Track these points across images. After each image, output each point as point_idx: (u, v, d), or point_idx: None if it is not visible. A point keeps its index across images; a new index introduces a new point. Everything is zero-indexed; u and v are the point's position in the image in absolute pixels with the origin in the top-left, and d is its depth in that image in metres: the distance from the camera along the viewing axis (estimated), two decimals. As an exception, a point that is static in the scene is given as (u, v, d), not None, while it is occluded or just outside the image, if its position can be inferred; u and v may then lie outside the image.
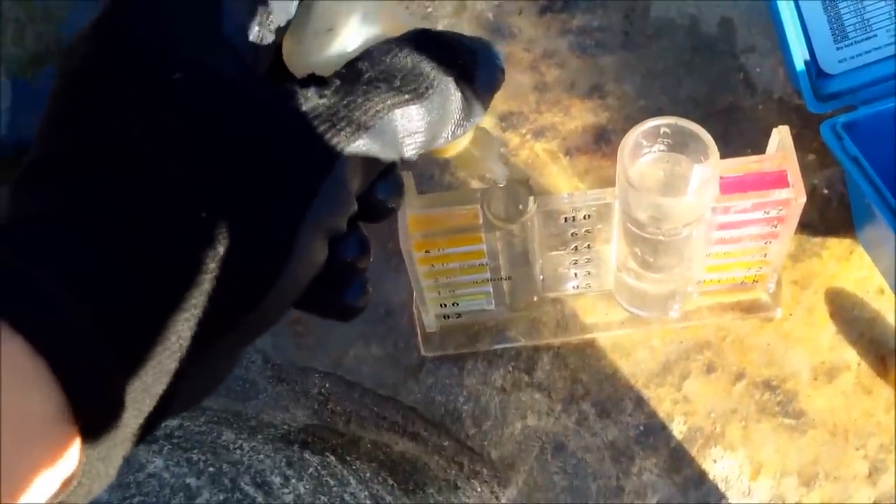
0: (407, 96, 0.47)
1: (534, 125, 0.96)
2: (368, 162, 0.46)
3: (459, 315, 0.86)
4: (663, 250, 0.76)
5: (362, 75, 0.47)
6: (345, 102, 0.45)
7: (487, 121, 0.97)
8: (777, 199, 0.73)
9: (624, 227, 0.76)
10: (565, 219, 0.77)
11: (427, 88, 0.47)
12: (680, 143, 0.72)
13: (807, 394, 0.84)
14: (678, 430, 0.83)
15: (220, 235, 0.41)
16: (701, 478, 0.82)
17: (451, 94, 0.48)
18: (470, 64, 0.50)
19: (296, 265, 0.43)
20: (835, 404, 0.83)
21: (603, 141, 0.94)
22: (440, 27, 1.02)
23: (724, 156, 0.73)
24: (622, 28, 1.00)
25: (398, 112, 0.46)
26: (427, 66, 0.48)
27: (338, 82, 0.46)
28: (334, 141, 0.44)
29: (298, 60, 0.50)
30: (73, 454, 0.37)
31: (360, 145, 0.45)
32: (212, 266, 0.41)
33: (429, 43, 0.49)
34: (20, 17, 1.32)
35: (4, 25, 1.31)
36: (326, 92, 0.45)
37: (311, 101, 0.45)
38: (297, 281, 0.44)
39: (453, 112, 0.49)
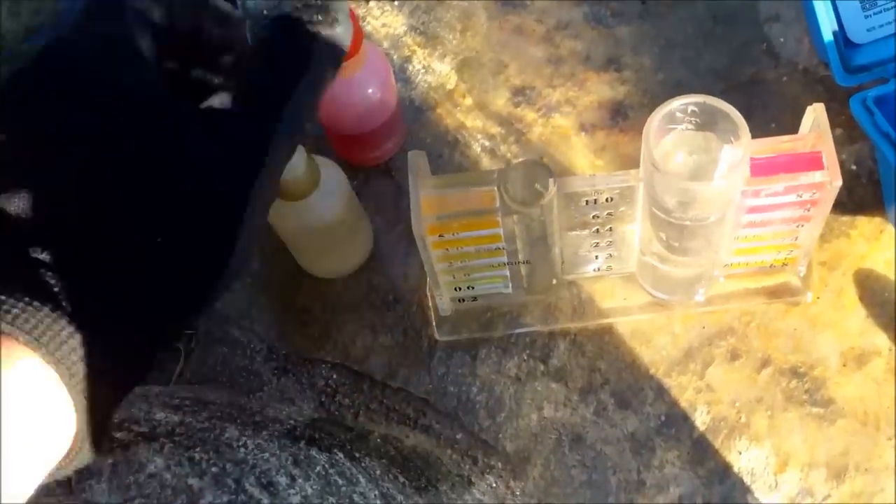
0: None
1: (548, 100, 0.92)
2: None
3: (475, 298, 0.83)
4: (690, 235, 0.72)
5: None
6: None
7: (502, 95, 0.93)
8: (811, 182, 0.69)
9: (649, 211, 0.72)
10: (586, 201, 0.73)
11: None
12: (708, 123, 0.68)
13: (836, 381, 0.80)
14: (701, 420, 0.80)
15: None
16: (725, 470, 0.78)
17: None
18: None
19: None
20: (865, 392, 0.80)
21: (620, 116, 0.90)
22: (449, -4, 0.98)
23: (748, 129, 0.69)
24: (640, -6, 0.96)
25: None
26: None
27: None
28: None
29: None
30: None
31: None
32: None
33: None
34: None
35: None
36: None
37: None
38: None
39: None
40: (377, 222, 0.88)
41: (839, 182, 0.68)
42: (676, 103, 0.68)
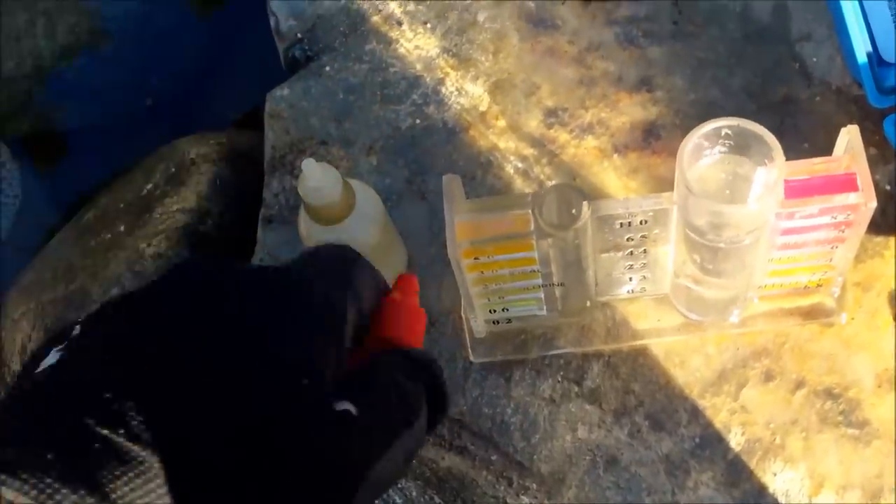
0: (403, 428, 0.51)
1: (580, 121, 0.92)
2: None
3: (510, 320, 0.83)
4: (724, 257, 0.72)
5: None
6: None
7: (534, 117, 0.93)
8: (845, 204, 0.69)
9: (682, 233, 0.72)
10: (620, 224, 0.74)
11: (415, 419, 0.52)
12: (742, 145, 0.69)
13: (871, 402, 0.80)
14: (735, 441, 0.80)
15: None
16: (760, 492, 0.78)
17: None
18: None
19: None
20: (901, 413, 0.80)
21: (653, 137, 0.90)
22: (481, 18, 0.98)
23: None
24: (671, 17, 0.96)
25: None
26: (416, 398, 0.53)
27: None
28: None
29: None
30: None
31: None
32: None
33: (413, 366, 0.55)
34: (49, 9, 1.29)
35: (35, 18, 1.29)
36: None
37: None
38: None
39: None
40: (411, 246, 0.88)
41: (874, 203, 0.68)
42: (710, 126, 0.68)
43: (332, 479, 0.50)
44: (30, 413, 0.46)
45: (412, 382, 0.55)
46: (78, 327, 0.49)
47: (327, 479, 0.50)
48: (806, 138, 0.88)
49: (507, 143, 0.92)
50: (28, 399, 0.46)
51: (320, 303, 0.52)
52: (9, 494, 0.40)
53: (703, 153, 0.70)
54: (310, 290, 0.52)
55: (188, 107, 1.32)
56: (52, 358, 0.48)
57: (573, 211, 0.70)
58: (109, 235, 1.02)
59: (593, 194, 0.88)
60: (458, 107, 0.95)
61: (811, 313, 0.83)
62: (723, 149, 0.70)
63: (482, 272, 0.75)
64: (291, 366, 0.50)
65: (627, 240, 0.75)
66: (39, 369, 0.46)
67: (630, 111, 0.92)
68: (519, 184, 0.90)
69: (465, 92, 0.95)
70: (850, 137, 0.71)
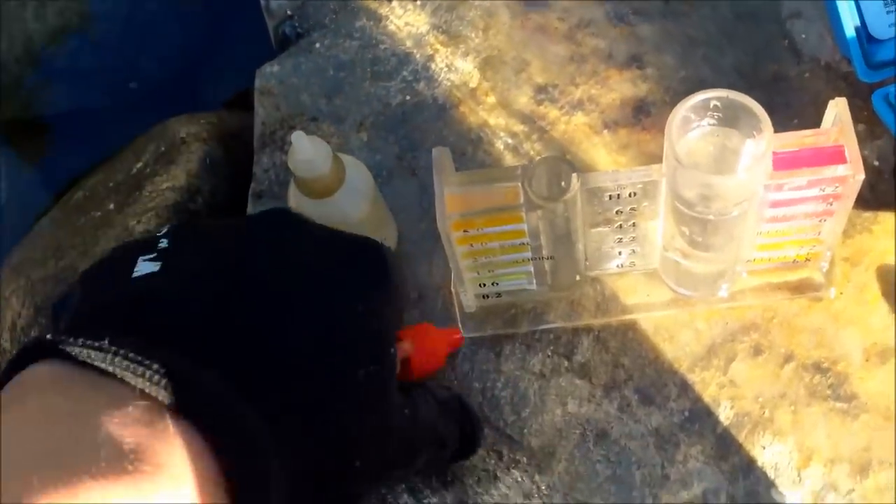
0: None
1: (571, 98, 0.92)
2: None
3: (499, 294, 0.83)
4: (712, 230, 0.72)
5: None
6: None
7: (524, 93, 0.93)
8: (834, 176, 0.69)
9: (671, 206, 0.72)
10: (609, 196, 0.74)
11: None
12: (731, 117, 0.69)
13: (859, 376, 0.80)
14: (725, 415, 0.80)
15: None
16: (749, 465, 0.78)
17: None
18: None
19: None
20: (888, 387, 0.80)
21: (643, 114, 0.91)
22: (472, -4, 0.98)
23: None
24: (661, -6, 0.96)
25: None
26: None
27: None
28: None
29: None
30: None
31: None
32: None
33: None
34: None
35: (26, 1, 1.28)
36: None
37: None
38: None
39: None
40: (401, 221, 0.88)
41: (862, 175, 0.69)
42: (699, 98, 0.68)
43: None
44: (143, 315, 0.48)
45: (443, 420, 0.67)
46: (164, 241, 0.51)
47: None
48: (796, 115, 0.88)
49: (497, 120, 0.92)
50: (138, 303, 0.50)
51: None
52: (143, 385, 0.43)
53: (691, 125, 0.70)
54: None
55: (179, 89, 1.32)
56: (147, 267, 0.50)
57: (563, 183, 0.71)
58: (99, 214, 1.02)
59: (583, 170, 0.87)
60: (449, 83, 0.95)
61: (800, 288, 0.83)
62: (712, 121, 0.70)
63: (471, 245, 0.75)
64: (380, 333, 0.59)
65: (616, 213, 0.75)
66: (136, 275, 0.49)
67: (620, 88, 0.92)
68: (509, 160, 0.90)
69: (456, 68, 0.95)
70: (837, 110, 0.71)
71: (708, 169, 0.69)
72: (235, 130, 1.07)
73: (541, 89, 0.93)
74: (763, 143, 0.67)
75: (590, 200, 0.74)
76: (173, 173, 1.02)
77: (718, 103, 0.68)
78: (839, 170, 0.69)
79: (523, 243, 0.76)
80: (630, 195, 0.73)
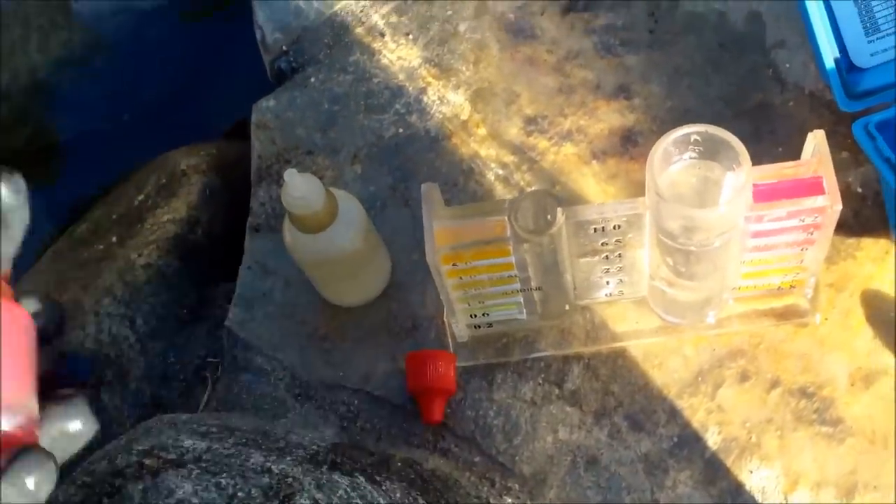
0: None
1: (560, 129, 0.94)
2: None
3: (490, 325, 0.85)
4: (696, 260, 0.74)
5: None
6: None
7: (515, 124, 0.95)
8: (812, 207, 0.71)
9: (656, 238, 0.74)
10: (594, 229, 0.75)
11: None
12: (711, 151, 0.71)
13: (844, 401, 0.82)
14: (713, 440, 0.82)
15: None
16: (737, 490, 0.80)
17: None
18: None
19: None
20: (873, 411, 0.81)
21: (630, 143, 0.92)
22: (462, 29, 1.00)
23: (755, 154, 0.71)
24: (647, 26, 0.98)
25: None
26: None
27: None
28: None
29: None
30: None
31: None
32: None
33: None
34: (43, 24, 1.32)
35: (29, 34, 1.31)
36: None
37: None
38: None
39: None
40: (395, 252, 0.90)
41: (839, 206, 0.70)
42: (679, 133, 0.70)
43: None
44: None
45: None
46: None
47: None
48: (781, 143, 0.90)
49: (488, 151, 0.94)
50: None
51: None
52: None
53: (673, 159, 0.72)
54: None
55: (180, 119, 1.34)
56: None
57: (548, 217, 0.72)
58: (102, 247, 1.04)
59: (573, 200, 0.90)
60: (441, 115, 0.96)
61: (785, 314, 0.84)
62: (693, 154, 0.72)
63: (461, 277, 0.77)
64: None
65: (602, 244, 0.77)
66: None
67: (608, 118, 0.94)
68: (500, 190, 0.92)
69: (447, 101, 0.97)
70: (816, 142, 0.73)
71: (691, 201, 0.71)
72: (234, 160, 1.09)
73: (530, 120, 0.95)
74: (742, 175, 0.68)
75: (576, 232, 0.76)
76: (174, 205, 1.04)
77: (699, 137, 0.70)
78: (818, 201, 0.71)
79: (512, 275, 0.77)
80: (615, 227, 0.75)
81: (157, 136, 1.27)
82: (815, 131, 0.73)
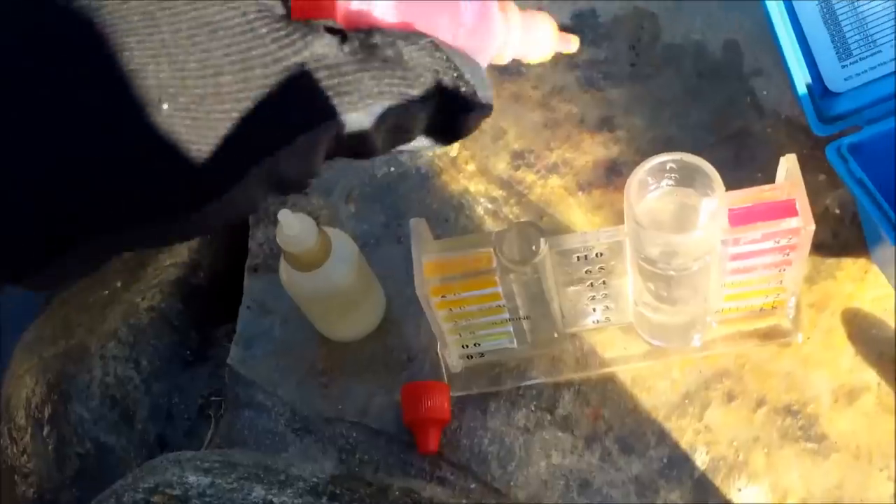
0: (406, 90, 0.50)
1: (546, 162, 0.97)
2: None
3: (482, 354, 0.87)
4: (676, 284, 0.76)
5: (376, 50, 0.50)
6: (356, 69, 0.49)
7: (502, 159, 0.98)
8: (786, 229, 0.73)
9: (636, 264, 0.77)
10: (578, 257, 0.78)
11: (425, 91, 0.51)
12: (687, 178, 0.73)
13: (828, 417, 0.84)
14: (701, 460, 0.84)
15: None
16: (728, 507, 0.82)
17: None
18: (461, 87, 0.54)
19: (227, 200, 0.47)
20: (857, 426, 0.83)
21: (615, 174, 0.95)
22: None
23: (736, 180, 0.74)
24: (629, 60, 1.01)
25: (392, 104, 0.50)
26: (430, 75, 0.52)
27: (356, 45, 0.49)
28: (332, 103, 0.48)
29: None
30: None
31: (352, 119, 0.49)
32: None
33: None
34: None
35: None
36: (346, 48, 0.48)
37: (326, 48, 0.48)
38: (222, 213, 0.47)
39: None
40: (389, 287, 0.93)
41: (812, 227, 0.72)
42: (654, 162, 0.72)
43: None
44: None
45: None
46: None
47: None
48: (760, 168, 0.92)
49: (477, 186, 0.97)
50: None
51: None
52: None
53: (651, 187, 0.74)
54: None
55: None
56: None
57: (533, 247, 0.75)
58: (107, 292, 1.07)
59: (560, 231, 0.92)
60: (430, 154, 0.99)
61: (769, 335, 0.87)
62: (670, 182, 0.74)
63: (451, 309, 0.79)
64: None
65: (587, 272, 0.80)
66: None
67: (593, 150, 0.97)
68: (489, 223, 0.95)
69: (436, 139, 1.00)
70: (788, 166, 0.76)
71: (670, 227, 0.73)
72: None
73: (518, 155, 0.98)
74: (716, 200, 0.71)
75: (560, 262, 0.78)
76: (176, 249, 1.07)
77: (674, 165, 0.73)
78: (791, 222, 0.73)
79: (500, 305, 0.80)
80: (597, 255, 0.78)
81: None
82: (787, 155, 0.76)
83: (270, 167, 0.47)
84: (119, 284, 1.07)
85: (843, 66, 0.86)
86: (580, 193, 0.95)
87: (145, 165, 0.44)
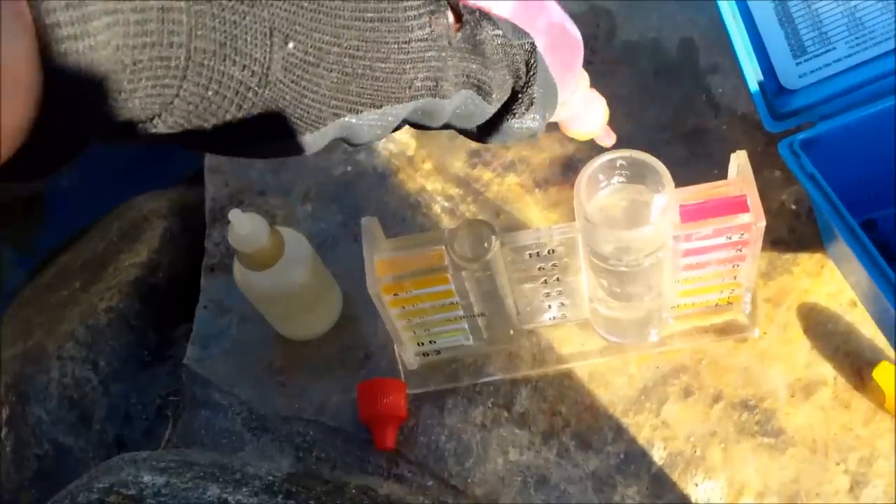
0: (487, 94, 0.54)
1: (503, 160, 0.97)
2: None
3: (438, 352, 0.87)
4: (629, 280, 0.77)
5: (482, 46, 0.53)
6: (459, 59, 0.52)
7: (459, 158, 0.98)
8: (737, 224, 0.74)
9: (588, 260, 0.77)
10: (530, 254, 0.78)
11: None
12: (638, 174, 0.73)
13: (785, 412, 0.84)
14: (658, 455, 0.84)
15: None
16: (684, 503, 0.82)
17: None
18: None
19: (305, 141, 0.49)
20: (813, 420, 0.84)
21: (571, 171, 0.95)
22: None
23: (692, 176, 0.74)
24: (586, 57, 1.00)
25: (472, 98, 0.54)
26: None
27: (468, 32, 0.52)
28: (427, 83, 0.50)
29: None
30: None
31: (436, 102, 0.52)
32: None
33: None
34: None
35: None
36: (458, 37, 0.51)
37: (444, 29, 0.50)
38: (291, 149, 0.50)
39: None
40: (346, 285, 0.93)
41: (763, 223, 0.73)
42: (604, 159, 0.73)
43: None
44: None
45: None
46: None
47: None
48: (716, 164, 0.92)
49: (434, 185, 0.97)
50: None
51: None
52: None
53: (601, 184, 0.74)
54: None
55: (143, 165, 1.37)
56: None
57: (485, 244, 0.75)
58: (66, 293, 1.06)
59: (517, 228, 0.92)
60: (387, 152, 0.99)
61: (725, 330, 0.87)
62: (621, 178, 0.74)
63: (404, 307, 0.79)
64: None
65: (540, 269, 0.80)
66: None
67: (549, 148, 0.97)
68: (446, 222, 0.95)
69: (393, 138, 1.00)
70: (739, 162, 0.76)
71: (621, 223, 0.74)
72: (193, 204, 1.11)
73: (474, 153, 0.98)
74: (666, 197, 0.71)
75: (514, 259, 0.78)
76: (135, 250, 1.07)
77: (624, 162, 0.73)
78: (742, 218, 0.74)
79: (454, 302, 0.80)
80: (549, 252, 0.78)
81: (124, 184, 1.30)
82: (738, 152, 0.76)
83: (351, 125, 0.49)
84: (78, 285, 1.06)
85: (798, 63, 0.87)
86: (537, 191, 0.95)
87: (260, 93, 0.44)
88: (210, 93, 0.42)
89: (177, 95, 0.41)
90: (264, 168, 1.01)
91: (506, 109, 0.57)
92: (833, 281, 0.88)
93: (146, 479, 0.80)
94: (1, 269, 1.36)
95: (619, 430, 0.85)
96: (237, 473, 0.82)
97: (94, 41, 0.36)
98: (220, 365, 0.92)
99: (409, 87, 0.50)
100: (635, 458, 0.84)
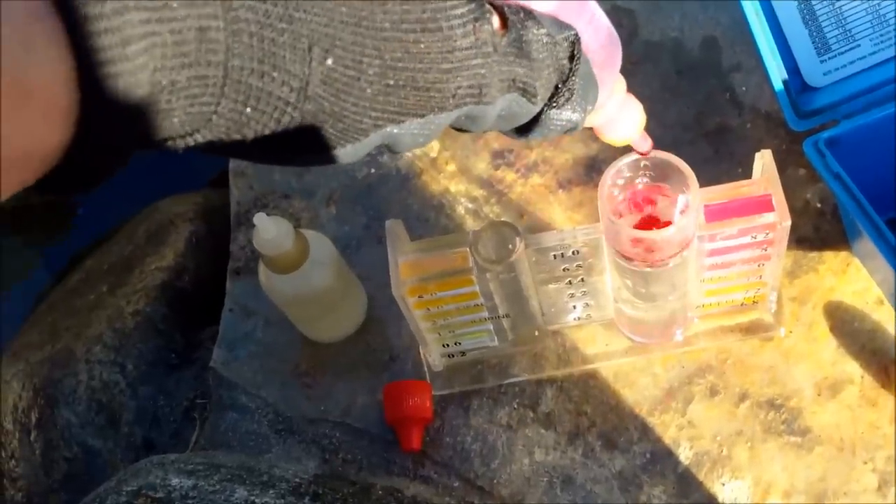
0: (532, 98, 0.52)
1: (526, 161, 0.97)
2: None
3: (463, 353, 0.87)
4: (653, 280, 0.77)
5: (528, 49, 0.51)
6: (505, 66, 0.50)
7: (482, 159, 0.98)
8: (762, 224, 0.74)
9: (613, 261, 0.77)
10: (555, 255, 0.78)
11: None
12: (662, 175, 0.73)
13: (811, 410, 0.84)
14: (684, 455, 0.84)
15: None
16: (710, 502, 0.82)
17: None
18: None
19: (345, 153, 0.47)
20: (840, 419, 0.83)
21: (595, 172, 0.95)
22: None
23: (716, 175, 0.74)
24: (608, 57, 1.00)
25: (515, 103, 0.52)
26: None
27: (513, 36, 0.50)
28: (472, 91, 0.49)
29: None
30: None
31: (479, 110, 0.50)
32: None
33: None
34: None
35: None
36: (503, 42, 0.49)
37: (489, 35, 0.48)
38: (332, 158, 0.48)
39: None
40: (370, 288, 0.93)
41: (788, 222, 0.73)
42: (628, 160, 0.73)
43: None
44: None
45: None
46: None
47: None
48: (740, 163, 0.92)
49: (457, 186, 0.97)
50: None
51: None
52: None
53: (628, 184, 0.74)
54: None
55: (169, 168, 1.37)
56: None
57: (509, 246, 0.75)
58: (93, 296, 1.07)
59: (540, 229, 0.92)
60: (410, 154, 0.99)
61: (751, 329, 0.87)
62: (645, 179, 0.74)
63: (428, 308, 0.80)
64: None
65: (564, 270, 0.80)
66: None
67: (572, 148, 0.97)
68: (470, 223, 0.95)
69: (417, 139, 1.00)
70: (763, 161, 0.76)
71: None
72: (218, 207, 1.12)
73: (498, 154, 0.98)
74: (690, 196, 0.71)
75: (538, 260, 0.78)
76: (162, 253, 1.07)
77: (648, 163, 0.73)
78: (767, 218, 0.74)
79: (478, 304, 0.80)
80: (574, 253, 0.78)
81: (150, 187, 1.30)
82: (763, 151, 0.76)
83: (393, 134, 0.48)
84: (105, 289, 1.07)
85: (822, 62, 0.86)
86: (560, 191, 0.95)
87: (300, 107, 0.44)
88: (248, 109, 0.42)
89: (215, 112, 0.41)
90: (288, 171, 1.02)
91: (547, 101, 0.57)
92: (859, 279, 0.88)
93: (174, 481, 0.80)
94: (28, 273, 1.37)
95: (645, 430, 0.85)
96: (264, 475, 0.83)
97: (132, 65, 0.36)
98: (246, 367, 0.93)
99: (453, 96, 0.49)
100: (661, 458, 0.84)
